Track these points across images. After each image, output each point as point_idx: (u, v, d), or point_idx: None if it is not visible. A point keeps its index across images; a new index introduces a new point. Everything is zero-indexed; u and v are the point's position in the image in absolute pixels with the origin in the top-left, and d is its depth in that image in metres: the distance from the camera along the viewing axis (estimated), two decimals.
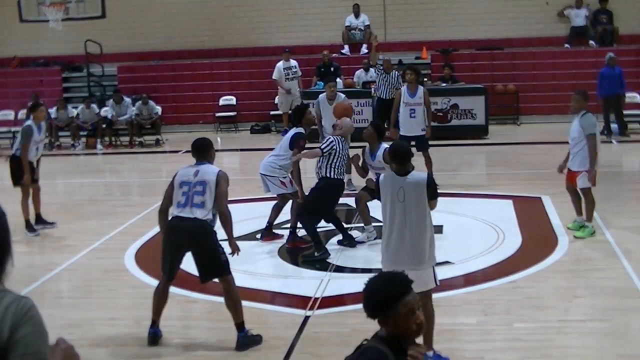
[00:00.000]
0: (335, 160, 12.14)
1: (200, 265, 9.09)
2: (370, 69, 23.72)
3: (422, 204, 8.06)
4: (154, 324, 9.20)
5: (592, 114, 12.64)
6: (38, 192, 14.66)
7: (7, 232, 3.63)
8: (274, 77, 24.62)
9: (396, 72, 21.41)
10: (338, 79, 24.31)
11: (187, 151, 22.93)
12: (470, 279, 10.60)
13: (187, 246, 8.98)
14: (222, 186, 8.98)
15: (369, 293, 4.40)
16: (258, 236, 13.23)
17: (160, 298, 9.27)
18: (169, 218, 9.09)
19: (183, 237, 8.92)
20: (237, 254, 9.18)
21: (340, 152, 12.17)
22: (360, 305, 8.72)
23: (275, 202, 13.25)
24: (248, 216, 14.30)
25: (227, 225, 9.03)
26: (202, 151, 9.49)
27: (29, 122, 14.48)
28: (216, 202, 8.94)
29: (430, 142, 16.47)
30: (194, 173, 9.12)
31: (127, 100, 25.32)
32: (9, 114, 26.01)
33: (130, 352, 9.07)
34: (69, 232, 14.52)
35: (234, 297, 8.99)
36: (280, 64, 24.72)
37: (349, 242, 12.47)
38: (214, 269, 9.05)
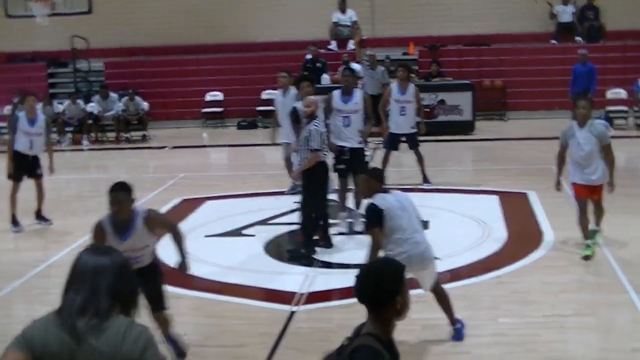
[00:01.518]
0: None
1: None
2: (356, 64, 23.70)
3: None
4: None
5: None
6: (40, 187, 14.59)
7: (134, 275, 4.15)
8: None
9: (382, 68, 21.47)
10: (325, 75, 24.32)
11: (174, 147, 23.15)
12: (455, 274, 10.60)
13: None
14: (165, 225, 8.42)
15: (378, 279, 4.31)
16: None
17: None
18: None
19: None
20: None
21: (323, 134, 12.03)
22: (345, 301, 8.74)
23: None
24: (234, 212, 14.30)
25: (182, 243, 8.44)
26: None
27: (19, 112, 14.48)
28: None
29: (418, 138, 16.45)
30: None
31: (114, 95, 25.29)
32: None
33: None
34: (56, 228, 14.48)
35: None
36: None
37: (325, 243, 12.29)
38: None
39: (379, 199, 8.31)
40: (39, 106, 24.48)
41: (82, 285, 4.00)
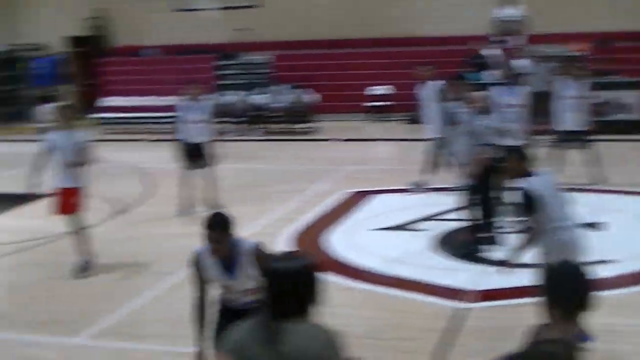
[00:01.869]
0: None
1: None
2: (524, 60, 23.36)
3: None
4: None
5: None
6: (208, 177, 14.97)
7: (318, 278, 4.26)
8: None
9: (549, 64, 21.07)
10: (488, 71, 24.02)
11: (340, 139, 23.29)
12: (634, 278, 10.31)
13: None
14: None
15: (576, 281, 4.20)
16: None
17: None
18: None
19: None
20: None
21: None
22: (521, 300, 8.60)
23: None
24: (400, 206, 14.31)
25: None
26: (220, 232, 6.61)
27: (183, 102, 14.87)
28: None
29: (587, 138, 16.05)
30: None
31: (281, 88, 25.64)
32: (165, 100, 26.59)
33: None
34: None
35: None
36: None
37: (492, 240, 12.01)
38: None
39: (532, 182, 8.05)
40: (205, 96, 25.19)
41: (274, 290, 4.15)
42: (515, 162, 8.24)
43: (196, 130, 14.70)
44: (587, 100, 15.98)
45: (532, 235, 7.95)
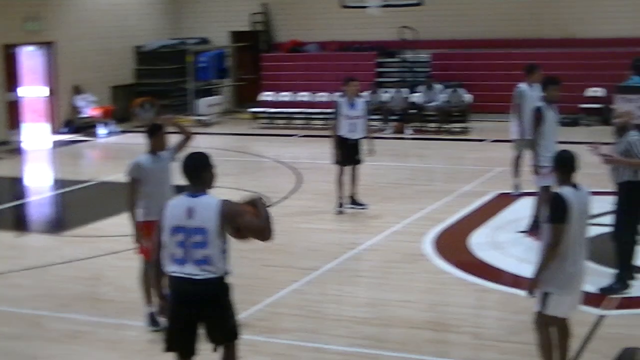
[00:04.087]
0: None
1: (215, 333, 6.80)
2: None
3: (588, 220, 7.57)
4: None
5: None
6: (355, 173, 14.96)
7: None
8: None
9: None
10: None
11: (493, 140, 23.11)
12: None
13: (198, 317, 6.69)
14: (242, 222, 6.57)
15: None
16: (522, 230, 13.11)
17: None
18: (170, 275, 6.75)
19: (190, 306, 6.65)
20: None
21: None
22: None
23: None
24: None
25: (269, 224, 6.67)
26: (195, 174, 6.72)
27: (340, 98, 14.97)
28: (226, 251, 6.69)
29: None
30: (186, 212, 6.59)
31: (438, 87, 25.58)
32: (325, 96, 26.92)
33: (421, 335, 9.21)
34: (372, 213, 14.88)
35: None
36: None
37: (621, 285, 10.63)
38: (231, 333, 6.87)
39: None
40: (366, 93, 25.40)
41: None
42: None
43: (352, 127, 14.78)
44: None
45: None
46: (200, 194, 6.62)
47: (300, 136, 25.26)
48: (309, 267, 11.68)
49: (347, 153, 14.82)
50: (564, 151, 7.64)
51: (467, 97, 25.47)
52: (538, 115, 12.29)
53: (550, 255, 7.27)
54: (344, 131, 14.76)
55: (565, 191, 7.33)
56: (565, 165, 7.47)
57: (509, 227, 13.62)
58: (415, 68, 28.64)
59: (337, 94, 15.40)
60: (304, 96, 28.19)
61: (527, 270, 11.14)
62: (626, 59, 24.70)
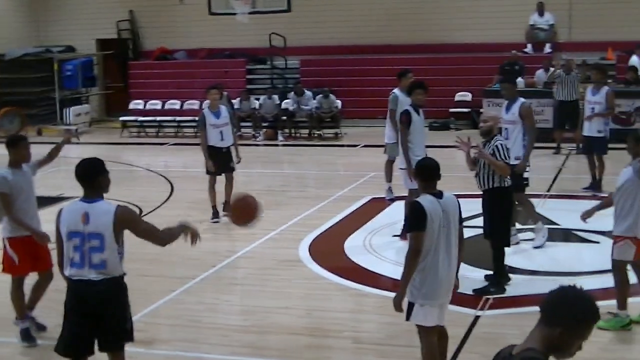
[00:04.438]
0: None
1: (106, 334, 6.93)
2: (551, 68, 23.29)
3: (457, 228, 7.40)
4: None
5: None
6: (230, 180, 14.90)
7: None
8: None
9: (576, 73, 20.95)
10: (520, 79, 23.94)
11: (365, 145, 23.32)
12: None
13: (94, 318, 6.79)
14: (136, 228, 6.88)
15: (580, 300, 4.06)
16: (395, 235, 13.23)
17: None
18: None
19: (88, 307, 6.77)
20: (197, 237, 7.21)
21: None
22: (533, 308, 8.56)
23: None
24: None
25: (171, 240, 7.10)
26: (91, 179, 6.81)
27: (203, 109, 14.92)
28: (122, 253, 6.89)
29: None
30: (82, 217, 6.70)
31: (308, 93, 25.69)
32: (195, 104, 26.75)
33: (301, 341, 9.19)
34: None
35: None
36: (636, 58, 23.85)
37: (497, 289, 10.62)
38: (119, 337, 7.03)
39: None
40: (236, 101, 25.36)
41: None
42: None
43: (221, 135, 14.71)
44: (611, 107, 15.93)
45: None
46: (96, 200, 6.73)
47: (172, 144, 25.03)
48: (186, 277, 11.55)
49: (219, 162, 14.74)
50: (426, 159, 7.68)
51: (338, 102, 25.64)
52: (405, 119, 12.48)
53: (411, 263, 7.27)
54: (214, 140, 14.68)
55: (424, 200, 7.29)
56: (426, 173, 7.41)
57: (383, 231, 13.74)
58: (285, 75, 28.73)
59: (204, 101, 15.30)
60: (174, 104, 27.96)
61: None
62: (493, 64, 25.43)
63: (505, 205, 10.59)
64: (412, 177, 12.05)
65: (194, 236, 7.12)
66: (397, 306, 7.43)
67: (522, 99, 12.41)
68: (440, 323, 7.51)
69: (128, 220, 6.77)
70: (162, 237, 7.01)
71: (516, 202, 11.98)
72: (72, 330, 6.84)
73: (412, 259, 7.26)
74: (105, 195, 6.86)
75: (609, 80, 22.30)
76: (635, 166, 8.93)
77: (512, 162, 11.52)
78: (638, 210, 8.95)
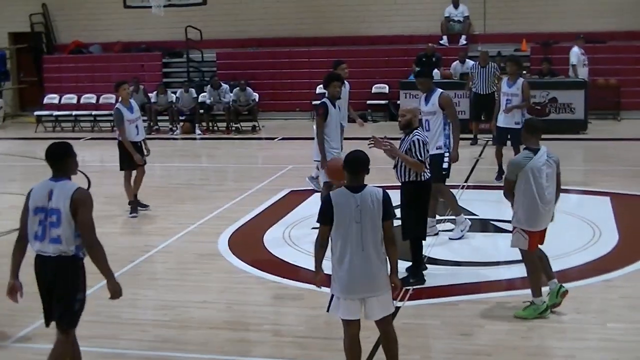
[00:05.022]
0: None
1: (55, 310, 7.31)
2: (468, 60, 23.57)
3: (379, 222, 7.24)
4: None
5: None
6: (142, 174, 14.82)
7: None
8: (573, 63, 23.87)
9: (493, 64, 21.20)
10: (436, 70, 24.17)
11: (282, 138, 23.34)
12: (564, 276, 10.41)
13: (49, 288, 7.23)
14: (82, 214, 7.08)
15: None
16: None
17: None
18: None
19: (45, 278, 7.21)
20: (117, 298, 7.48)
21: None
22: (453, 298, 8.61)
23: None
24: None
25: (99, 261, 7.18)
26: (58, 161, 7.35)
27: (117, 105, 14.80)
28: (79, 234, 7.13)
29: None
30: (47, 194, 7.18)
31: (225, 86, 25.58)
32: (111, 98, 26.42)
33: (221, 335, 9.16)
34: (165, 215, 14.76)
35: (61, 355, 7.45)
36: (576, 49, 23.95)
37: (417, 279, 10.66)
38: (64, 317, 7.32)
39: None
40: (153, 94, 25.17)
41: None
42: None
43: (135, 130, 14.61)
44: (526, 98, 16.13)
45: None
46: (61, 179, 7.23)
47: (88, 139, 24.72)
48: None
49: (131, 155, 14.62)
50: (356, 151, 7.50)
51: (255, 95, 25.59)
52: (322, 111, 12.50)
53: (315, 254, 7.44)
54: (132, 135, 14.57)
55: (336, 193, 7.31)
56: (349, 166, 7.34)
57: (302, 223, 13.73)
58: (201, 68, 28.59)
59: (117, 95, 15.14)
60: (89, 98, 27.63)
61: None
62: (409, 56, 25.63)
63: (423, 197, 10.65)
64: (324, 168, 12.13)
65: (114, 293, 7.43)
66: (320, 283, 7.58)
67: (440, 90, 12.49)
68: (372, 318, 7.46)
69: (81, 202, 7.08)
70: (95, 247, 7.13)
71: (437, 193, 12.10)
72: (42, 300, 7.34)
73: (316, 251, 7.42)
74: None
75: (524, 72, 22.69)
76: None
77: (434, 151, 11.67)
78: (525, 203, 9.16)
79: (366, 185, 7.30)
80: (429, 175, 10.61)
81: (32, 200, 7.23)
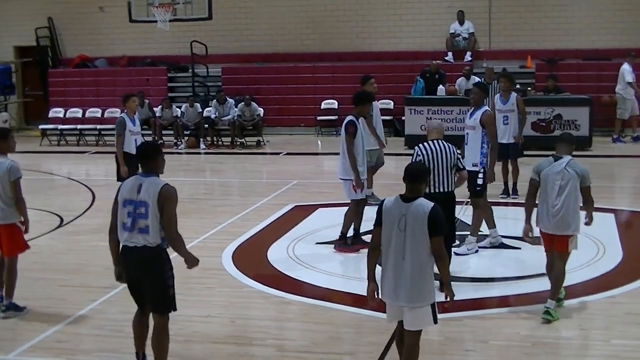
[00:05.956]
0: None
1: (149, 298, 8.12)
2: (473, 77, 23.57)
3: (425, 236, 7.24)
4: (138, 355, 8.46)
5: None
6: None
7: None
8: (628, 80, 24.00)
9: (496, 82, 21.24)
10: (441, 86, 24.20)
11: (287, 153, 23.34)
12: (569, 292, 10.39)
13: (138, 278, 8.00)
14: (167, 209, 7.81)
15: None
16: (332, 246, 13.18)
17: (137, 329, 8.44)
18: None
19: (133, 268, 7.97)
20: (195, 265, 8.32)
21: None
22: (458, 314, 8.59)
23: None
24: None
25: (180, 250, 8.03)
26: (149, 159, 8.08)
27: (121, 114, 14.84)
28: (163, 227, 7.86)
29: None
30: (137, 188, 7.89)
31: (230, 101, 25.63)
32: (116, 112, 26.46)
33: (225, 350, 9.15)
34: None
35: (163, 338, 8.26)
36: (627, 67, 24.09)
37: None
38: (161, 303, 8.15)
39: None
40: (158, 109, 25.23)
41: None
42: None
43: (136, 142, 14.64)
44: (522, 113, 16.21)
45: None
46: (150, 175, 7.91)
47: (93, 153, 24.74)
48: (108, 286, 11.35)
49: (134, 168, 14.61)
50: (415, 164, 8.12)
51: (260, 110, 25.63)
52: (352, 130, 12.46)
53: (367, 255, 7.61)
54: (130, 147, 14.66)
55: (389, 199, 7.45)
56: (407, 176, 7.46)
57: (306, 238, 13.74)
58: (207, 82, 28.64)
59: (122, 109, 15.23)
60: (94, 112, 27.68)
61: (326, 281, 11.38)
62: (414, 72, 25.63)
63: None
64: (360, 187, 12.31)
65: (192, 263, 8.28)
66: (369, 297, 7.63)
67: (486, 107, 12.53)
68: (405, 327, 7.53)
69: (167, 198, 7.78)
70: (177, 238, 7.95)
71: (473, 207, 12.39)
72: (130, 287, 8.16)
73: (368, 252, 7.66)
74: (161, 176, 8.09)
75: (529, 89, 22.75)
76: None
77: (470, 167, 11.73)
78: (539, 202, 9.74)
79: (420, 197, 7.37)
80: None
81: (122, 193, 7.92)
